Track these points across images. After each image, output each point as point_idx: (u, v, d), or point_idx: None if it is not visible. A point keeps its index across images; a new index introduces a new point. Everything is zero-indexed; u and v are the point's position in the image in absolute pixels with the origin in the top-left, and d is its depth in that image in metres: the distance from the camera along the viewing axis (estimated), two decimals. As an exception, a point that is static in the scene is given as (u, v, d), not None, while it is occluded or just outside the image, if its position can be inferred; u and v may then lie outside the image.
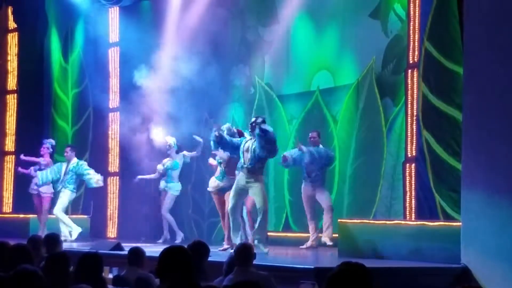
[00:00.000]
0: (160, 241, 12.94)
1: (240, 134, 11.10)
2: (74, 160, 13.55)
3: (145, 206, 14.16)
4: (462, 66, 9.09)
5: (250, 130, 10.39)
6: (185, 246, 4.89)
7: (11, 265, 5.31)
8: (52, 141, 14.54)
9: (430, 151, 9.79)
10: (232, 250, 7.09)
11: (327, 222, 11.52)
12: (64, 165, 13.61)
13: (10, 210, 16.52)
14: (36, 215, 14.16)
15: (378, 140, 11.99)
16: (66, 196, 13.42)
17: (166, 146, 13.36)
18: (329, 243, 11.28)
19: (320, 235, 11.61)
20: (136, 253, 7.35)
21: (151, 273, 6.60)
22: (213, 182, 11.42)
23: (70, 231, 13.19)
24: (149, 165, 14.07)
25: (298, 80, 13.55)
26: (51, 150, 14.33)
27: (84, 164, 13.64)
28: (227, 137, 10.52)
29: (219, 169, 11.39)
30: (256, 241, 10.06)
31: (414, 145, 10.25)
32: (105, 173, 15.11)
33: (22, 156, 14.65)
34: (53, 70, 16.54)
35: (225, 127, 11.35)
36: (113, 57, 15.35)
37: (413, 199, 10.20)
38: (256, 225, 10.33)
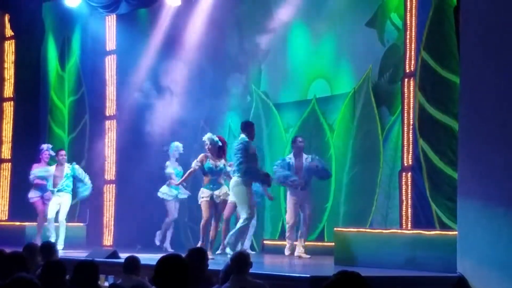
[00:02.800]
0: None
1: (223, 142, 11.24)
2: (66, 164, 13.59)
3: (142, 214, 14.14)
4: (458, 75, 9.11)
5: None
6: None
7: (7, 273, 5.30)
8: (50, 146, 14.47)
9: (426, 160, 9.80)
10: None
11: (304, 232, 11.46)
12: (56, 167, 13.59)
13: (6, 218, 16.47)
14: (37, 223, 14.05)
15: (374, 148, 12.00)
16: (69, 201, 13.46)
17: (174, 151, 13.29)
18: (306, 256, 11.23)
19: (295, 243, 11.49)
20: (132, 261, 7.40)
21: (150, 281, 6.60)
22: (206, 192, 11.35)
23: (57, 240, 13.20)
24: (145, 173, 14.09)
25: (295, 88, 13.56)
26: (52, 153, 14.25)
27: (79, 168, 13.66)
28: None
29: (207, 178, 11.32)
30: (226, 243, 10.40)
31: (410, 154, 10.26)
32: (102, 181, 15.11)
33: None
34: (50, 78, 16.52)
35: (207, 137, 11.37)
36: (110, 65, 15.34)
37: (409, 208, 10.20)
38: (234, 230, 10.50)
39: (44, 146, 14.37)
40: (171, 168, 13.28)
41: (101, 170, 15.13)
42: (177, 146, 13.38)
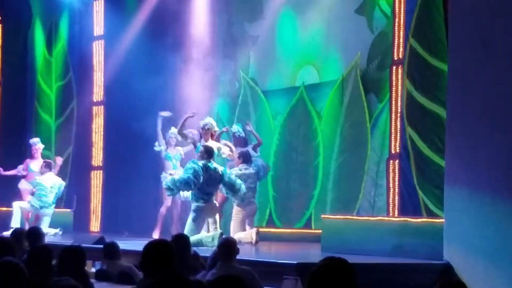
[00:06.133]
0: None
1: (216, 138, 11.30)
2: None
3: (129, 200, 14.12)
4: (446, 63, 9.12)
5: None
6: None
7: (-7, 257, 5.28)
8: (38, 139, 14.43)
9: (414, 147, 9.82)
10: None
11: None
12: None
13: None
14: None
15: (362, 136, 12.01)
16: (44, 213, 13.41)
17: (169, 138, 13.06)
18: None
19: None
20: (111, 247, 7.48)
21: (136, 266, 6.60)
22: None
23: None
24: (133, 159, 14.06)
25: (283, 75, 13.54)
26: (42, 147, 14.25)
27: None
28: None
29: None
30: None
31: (398, 142, 10.27)
32: (89, 167, 15.08)
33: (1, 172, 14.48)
34: (37, 63, 16.45)
35: (206, 121, 11.37)
36: (98, 50, 15.28)
37: (396, 196, 10.22)
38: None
39: (31, 141, 14.27)
40: (158, 147, 12.99)
41: (89, 156, 15.10)
42: (173, 132, 13.11)
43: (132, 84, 14.17)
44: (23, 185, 14.09)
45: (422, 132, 9.78)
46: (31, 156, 14.18)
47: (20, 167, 14.17)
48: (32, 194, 13.52)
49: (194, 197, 10.60)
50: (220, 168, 10.74)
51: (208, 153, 10.69)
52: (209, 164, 10.55)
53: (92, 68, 15.30)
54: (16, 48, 16.57)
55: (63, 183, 13.44)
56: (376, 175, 11.74)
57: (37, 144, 14.17)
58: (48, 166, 13.42)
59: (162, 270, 4.51)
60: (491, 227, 8.04)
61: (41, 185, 13.16)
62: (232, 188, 10.72)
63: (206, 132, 11.33)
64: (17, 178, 14.33)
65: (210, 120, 11.53)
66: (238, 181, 10.81)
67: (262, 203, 13.46)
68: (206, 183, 10.50)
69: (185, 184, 10.43)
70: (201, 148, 10.85)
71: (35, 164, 13.88)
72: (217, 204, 11.01)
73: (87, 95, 15.32)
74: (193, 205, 10.62)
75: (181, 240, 6.68)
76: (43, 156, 14.28)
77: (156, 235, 12.56)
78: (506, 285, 7.81)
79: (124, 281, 6.77)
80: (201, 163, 10.55)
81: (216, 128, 11.58)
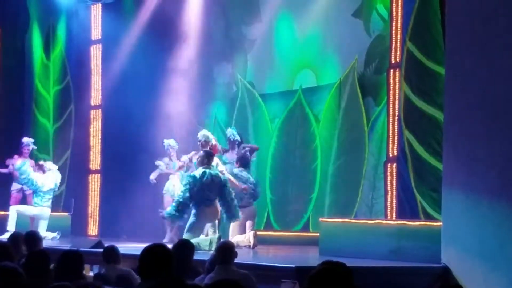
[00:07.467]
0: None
1: (214, 150, 11.22)
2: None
3: (127, 204, 14.11)
4: (443, 66, 9.12)
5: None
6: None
7: (-9, 262, 5.28)
8: (31, 140, 14.42)
9: (411, 151, 9.82)
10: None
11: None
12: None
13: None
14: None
15: (359, 139, 12.02)
16: (43, 213, 13.40)
17: (167, 149, 13.04)
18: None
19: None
20: (111, 251, 7.47)
21: (134, 271, 6.61)
22: None
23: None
24: (131, 163, 14.06)
25: (281, 78, 13.56)
26: (33, 147, 14.25)
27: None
28: None
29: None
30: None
31: (395, 145, 10.27)
32: (87, 171, 15.08)
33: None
34: (35, 67, 16.45)
35: (201, 134, 11.34)
36: (95, 54, 15.29)
37: (394, 199, 10.22)
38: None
39: (24, 140, 14.26)
40: (164, 165, 12.94)
41: (86, 160, 15.10)
42: (168, 143, 13.08)
43: (130, 87, 14.18)
44: (14, 186, 14.09)
45: (419, 135, 9.78)
46: (20, 153, 14.12)
47: (10, 162, 14.07)
48: (22, 193, 13.58)
49: (195, 202, 10.55)
50: (222, 176, 10.65)
51: (208, 158, 10.64)
52: (208, 169, 10.49)
53: (90, 72, 15.30)
54: (13, 51, 16.56)
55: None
56: (374, 178, 11.75)
57: (30, 144, 14.16)
58: (41, 168, 13.43)
59: (159, 274, 4.51)
60: (488, 230, 8.05)
61: (43, 185, 13.24)
62: (228, 202, 10.64)
63: (203, 145, 11.26)
64: (11, 181, 14.29)
65: (204, 133, 11.44)
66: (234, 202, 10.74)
67: (260, 207, 13.44)
68: (207, 188, 10.43)
69: (183, 205, 10.45)
70: (202, 153, 10.79)
71: (20, 162, 13.81)
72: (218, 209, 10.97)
73: (85, 99, 15.32)
74: (194, 209, 10.59)
75: (184, 245, 6.67)
76: (37, 159, 14.25)
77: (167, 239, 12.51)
78: (503, 288, 7.82)
79: (123, 285, 6.78)
80: (197, 172, 10.49)
81: (214, 142, 11.49)
